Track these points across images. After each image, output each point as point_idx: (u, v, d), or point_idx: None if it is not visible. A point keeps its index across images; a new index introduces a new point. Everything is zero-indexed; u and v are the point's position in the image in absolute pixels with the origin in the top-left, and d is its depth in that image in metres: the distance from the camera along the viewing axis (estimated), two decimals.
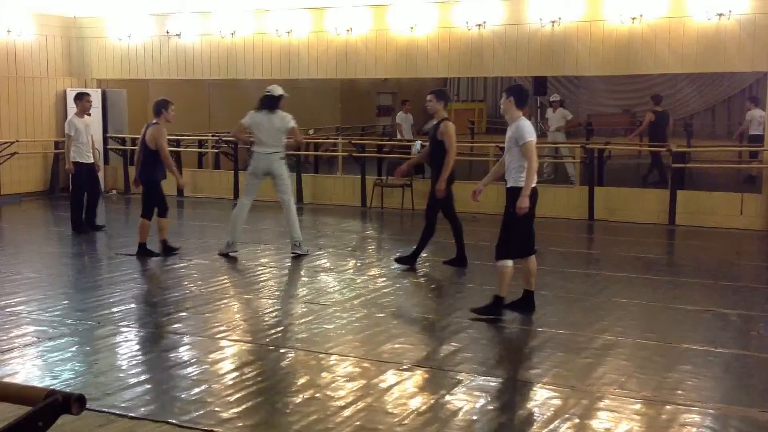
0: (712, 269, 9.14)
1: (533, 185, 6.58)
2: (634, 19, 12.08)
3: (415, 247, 8.89)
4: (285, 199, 9.59)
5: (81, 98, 11.24)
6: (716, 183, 13.83)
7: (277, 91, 9.52)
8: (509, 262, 6.71)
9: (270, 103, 9.46)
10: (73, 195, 11.35)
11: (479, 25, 13.01)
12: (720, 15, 11.55)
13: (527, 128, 6.63)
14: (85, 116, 11.20)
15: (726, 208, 11.88)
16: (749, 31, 11.52)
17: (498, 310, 6.73)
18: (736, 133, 17.13)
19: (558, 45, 12.66)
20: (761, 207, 11.76)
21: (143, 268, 9.00)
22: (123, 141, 15.90)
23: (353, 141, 15.66)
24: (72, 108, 15.46)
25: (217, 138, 16.13)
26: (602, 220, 12.38)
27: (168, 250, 9.55)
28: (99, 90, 15.88)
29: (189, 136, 16.58)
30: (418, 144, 13.89)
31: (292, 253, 9.54)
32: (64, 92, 15.73)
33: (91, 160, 11.19)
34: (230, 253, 9.46)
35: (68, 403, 1.95)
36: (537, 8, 12.63)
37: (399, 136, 16.79)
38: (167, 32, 15.43)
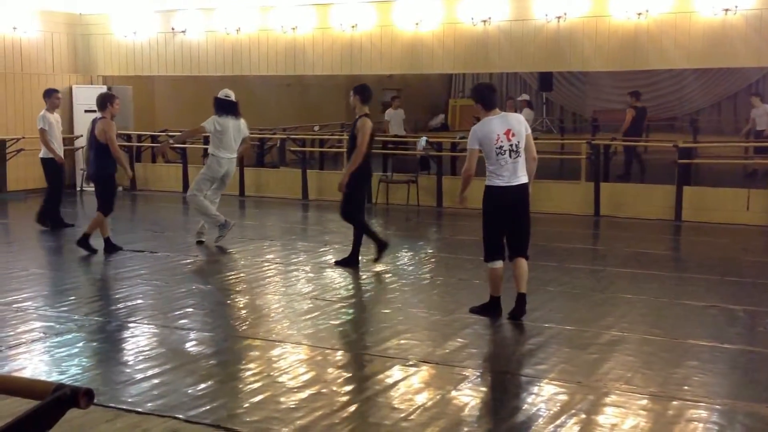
0: (718, 265, 9.12)
1: (502, 185, 6.46)
2: (639, 14, 12.04)
3: (352, 249, 8.77)
4: (216, 200, 9.90)
5: (50, 95, 11.23)
6: (723, 179, 13.78)
7: (233, 96, 9.71)
8: (496, 263, 6.65)
9: (236, 110, 9.70)
10: (51, 190, 11.17)
11: (484, 21, 12.99)
12: (726, 10, 11.51)
13: (472, 134, 6.50)
14: (55, 113, 11.18)
15: (732, 204, 11.83)
16: (755, 26, 11.48)
17: (494, 310, 6.72)
18: (743, 132, 17.07)
19: (563, 40, 12.63)
20: None
21: (149, 264, 9.00)
22: (128, 137, 15.90)
23: None
24: (78, 105, 15.62)
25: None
26: (608, 216, 12.35)
27: (113, 249, 9.40)
28: (105, 87, 15.88)
29: None
30: (423, 140, 13.89)
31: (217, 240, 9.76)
32: (70, 89, 15.76)
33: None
34: (226, 234, 9.62)
35: (76, 397, 1.94)
36: (542, 4, 12.60)
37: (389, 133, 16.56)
38: (172, 29, 15.43)
